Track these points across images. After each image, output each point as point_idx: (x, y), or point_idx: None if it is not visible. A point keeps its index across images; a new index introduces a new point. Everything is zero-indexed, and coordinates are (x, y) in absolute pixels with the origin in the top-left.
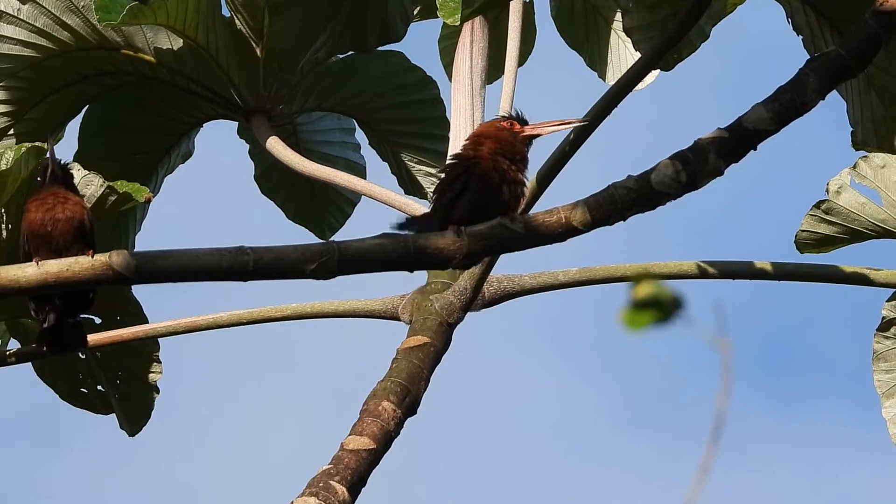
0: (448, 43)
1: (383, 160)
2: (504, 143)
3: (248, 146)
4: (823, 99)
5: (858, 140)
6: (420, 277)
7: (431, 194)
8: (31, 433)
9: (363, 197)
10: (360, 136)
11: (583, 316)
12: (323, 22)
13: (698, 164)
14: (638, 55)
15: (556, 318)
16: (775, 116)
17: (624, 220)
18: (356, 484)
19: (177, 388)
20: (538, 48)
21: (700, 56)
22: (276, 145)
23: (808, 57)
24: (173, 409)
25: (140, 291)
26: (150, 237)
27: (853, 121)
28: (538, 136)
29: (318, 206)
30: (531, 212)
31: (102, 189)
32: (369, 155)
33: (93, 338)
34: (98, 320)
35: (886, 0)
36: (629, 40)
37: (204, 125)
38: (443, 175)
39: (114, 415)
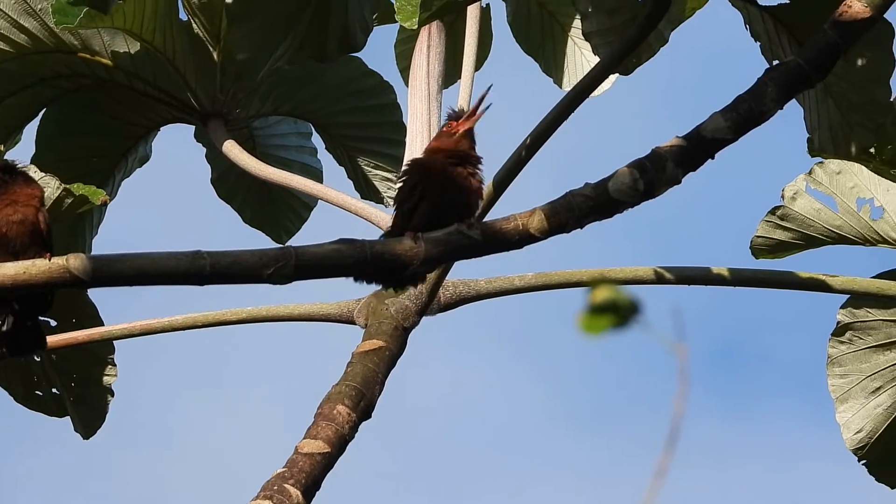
0: (404, 48)
1: (340, 164)
2: (448, 147)
3: (204, 150)
4: (782, 108)
5: (815, 147)
6: None
7: (392, 203)
8: None
9: (320, 201)
10: (318, 140)
11: (539, 320)
12: (283, 31)
13: (656, 173)
14: (596, 61)
15: (512, 323)
16: (733, 125)
17: (581, 228)
18: (310, 487)
19: (132, 392)
20: (495, 53)
21: (658, 60)
22: (232, 149)
23: (766, 63)
24: (128, 412)
25: (96, 294)
26: (107, 241)
27: (810, 128)
28: (471, 128)
29: (275, 209)
30: (488, 217)
31: (59, 191)
32: (326, 159)
33: (48, 340)
34: (53, 322)
35: (846, 10)
36: (586, 47)
37: (161, 129)
38: (400, 183)
39: (69, 417)
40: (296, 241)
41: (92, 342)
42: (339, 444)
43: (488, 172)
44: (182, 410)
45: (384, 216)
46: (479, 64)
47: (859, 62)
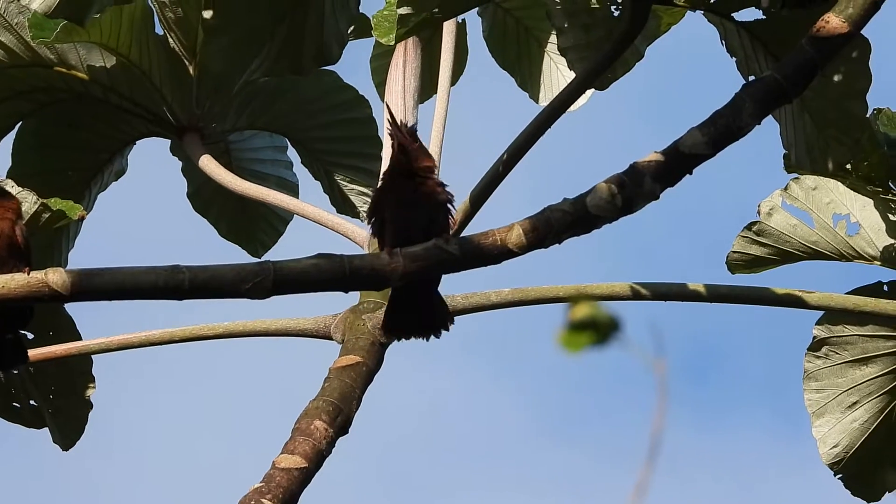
0: (380, 63)
1: (316, 179)
2: (392, 164)
3: (181, 164)
4: (759, 124)
5: (792, 163)
6: (353, 297)
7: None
8: None
9: (295, 215)
10: (293, 154)
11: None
12: (258, 45)
13: (634, 188)
14: (572, 76)
15: (489, 338)
16: (711, 141)
17: (559, 243)
18: (287, 502)
19: (111, 404)
20: (471, 68)
21: (635, 75)
22: (208, 163)
23: (742, 78)
24: (107, 425)
25: (72, 307)
26: (84, 254)
27: (787, 143)
28: (403, 143)
29: (251, 223)
30: (465, 232)
31: (36, 206)
32: (302, 173)
33: None
34: (31, 336)
35: (823, 26)
36: (562, 62)
37: (137, 142)
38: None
39: (47, 429)
40: (272, 255)
41: (69, 356)
42: (317, 460)
43: (465, 187)
44: (159, 424)
45: (360, 231)
46: (454, 79)
47: (836, 78)
